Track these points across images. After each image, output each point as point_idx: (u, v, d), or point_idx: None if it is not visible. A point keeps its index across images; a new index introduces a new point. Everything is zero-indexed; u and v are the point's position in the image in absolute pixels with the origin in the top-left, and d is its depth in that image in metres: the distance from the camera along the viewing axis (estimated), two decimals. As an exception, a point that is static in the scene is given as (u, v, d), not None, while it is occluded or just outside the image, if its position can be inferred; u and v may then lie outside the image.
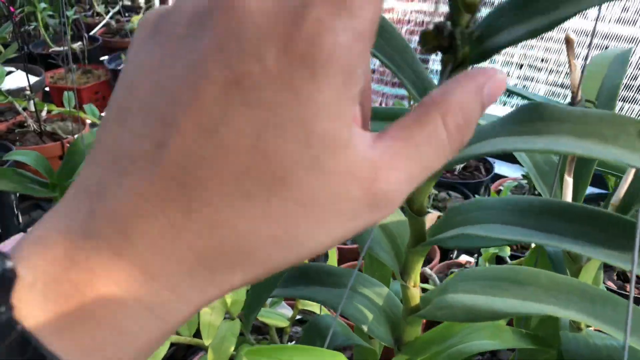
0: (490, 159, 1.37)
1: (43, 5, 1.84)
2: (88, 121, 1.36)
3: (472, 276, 0.40)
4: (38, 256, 0.15)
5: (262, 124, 0.15)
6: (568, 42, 0.35)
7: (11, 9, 1.73)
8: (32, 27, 1.95)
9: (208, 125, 0.15)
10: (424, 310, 0.40)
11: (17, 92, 1.39)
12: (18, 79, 1.56)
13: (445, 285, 0.40)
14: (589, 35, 1.27)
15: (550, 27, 0.25)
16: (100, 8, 2.14)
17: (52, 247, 0.15)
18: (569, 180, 0.40)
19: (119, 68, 1.66)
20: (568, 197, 0.40)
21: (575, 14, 0.24)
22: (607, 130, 0.27)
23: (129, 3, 2.41)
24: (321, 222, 0.16)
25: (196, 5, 0.16)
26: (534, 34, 0.25)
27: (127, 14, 2.25)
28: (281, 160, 0.15)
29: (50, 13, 1.87)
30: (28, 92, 1.32)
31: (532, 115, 0.29)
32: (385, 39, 0.31)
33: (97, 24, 2.07)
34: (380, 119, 0.43)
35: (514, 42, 0.26)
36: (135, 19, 1.97)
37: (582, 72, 0.36)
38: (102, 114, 1.62)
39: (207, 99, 0.15)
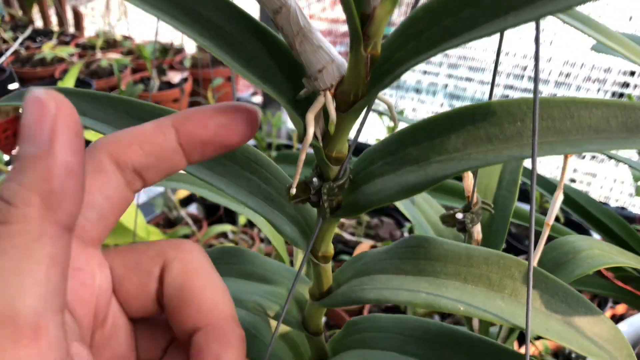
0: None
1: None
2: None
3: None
4: None
5: None
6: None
7: None
8: None
9: None
10: None
11: None
12: None
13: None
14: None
15: (426, 185, 0.23)
16: (7, 34, 2.01)
17: None
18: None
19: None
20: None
21: (450, 176, 0.23)
22: (494, 275, 0.26)
23: (40, 26, 2.29)
24: None
25: None
26: (409, 192, 0.23)
27: (39, 39, 2.13)
28: None
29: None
30: None
31: (418, 252, 0.28)
32: (263, 178, 0.29)
33: (5, 51, 1.94)
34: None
35: (389, 198, 0.24)
36: (47, 46, 1.86)
37: (475, 177, 0.34)
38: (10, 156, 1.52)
39: None
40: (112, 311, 0.21)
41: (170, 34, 2.04)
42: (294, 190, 0.23)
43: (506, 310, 0.25)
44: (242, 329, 0.20)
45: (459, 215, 0.35)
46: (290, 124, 1.47)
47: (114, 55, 1.89)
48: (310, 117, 0.22)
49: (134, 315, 0.22)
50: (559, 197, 0.36)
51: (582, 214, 0.66)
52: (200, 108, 0.22)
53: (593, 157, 1.50)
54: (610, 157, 0.60)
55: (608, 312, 1.06)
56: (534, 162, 0.21)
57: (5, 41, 1.98)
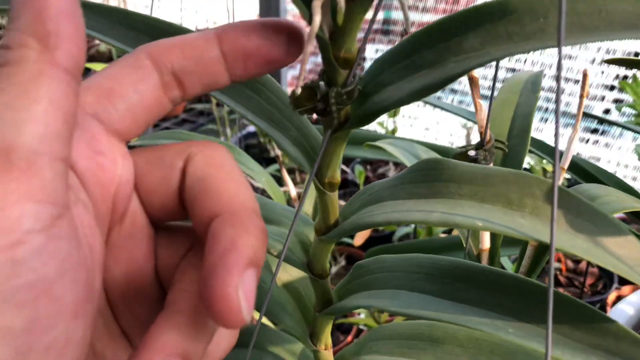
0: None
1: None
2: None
3: (387, 335, 0.36)
4: None
5: None
6: (472, 80, 0.32)
7: None
8: None
9: None
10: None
11: None
12: None
13: (359, 345, 0.37)
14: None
15: (441, 84, 0.21)
16: (5, 20, 2.00)
17: None
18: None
19: None
20: (485, 243, 0.37)
21: (467, 71, 0.21)
22: (513, 194, 0.24)
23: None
24: None
25: None
26: (423, 92, 0.22)
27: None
28: None
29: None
30: None
31: (431, 175, 0.26)
32: (266, 98, 0.27)
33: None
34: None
35: (401, 101, 0.22)
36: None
37: (489, 111, 0.32)
38: None
39: None
40: (132, 208, 0.20)
41: (169, 16, 2.02)
42: (299, 90, 0.22)
43: (527, 226, 0.23)
44: (263, 222, 0.19)
45: (472, 153, 0.33)
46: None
47: (112, 42, 1.88)
48: (317, 3, 0.20)
49: (154, 214, 0.21)
50: (576, 138, 0.35)
51: (589, 180, 0.64)
52: (244, 20, 0.21)
53: (596, 141, 1.49)
54: (625, 128, 0.58)
55: (613, 294, 1.04)
56: (560, 49, 0.19)
57: (2, 27, 1.97)
